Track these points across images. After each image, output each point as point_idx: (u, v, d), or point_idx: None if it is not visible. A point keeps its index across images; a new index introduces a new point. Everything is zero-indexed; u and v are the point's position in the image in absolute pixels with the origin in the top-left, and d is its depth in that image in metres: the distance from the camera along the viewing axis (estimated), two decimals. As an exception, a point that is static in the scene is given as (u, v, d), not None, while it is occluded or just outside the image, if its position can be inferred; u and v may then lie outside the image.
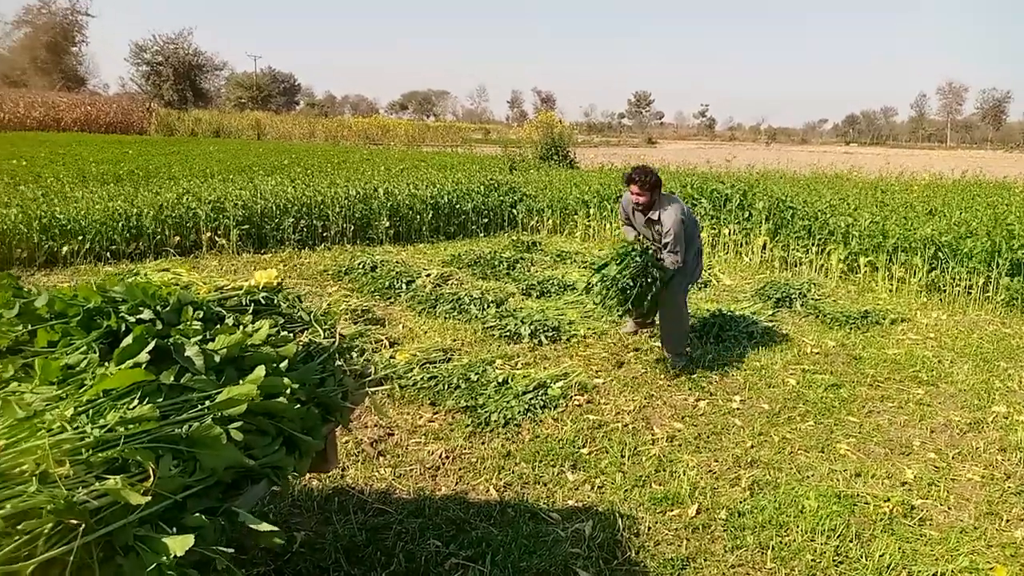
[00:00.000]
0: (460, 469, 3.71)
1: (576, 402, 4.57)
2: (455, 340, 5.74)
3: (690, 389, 4.90)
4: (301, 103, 79.43)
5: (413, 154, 24.44)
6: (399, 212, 10.53)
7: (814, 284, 7.91)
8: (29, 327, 1.63)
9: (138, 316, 1.73)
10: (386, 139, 42.18)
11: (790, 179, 14.95)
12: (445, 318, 6.41)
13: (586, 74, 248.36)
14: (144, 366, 1.56)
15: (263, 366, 1.75)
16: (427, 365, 5.08)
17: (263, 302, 2.19)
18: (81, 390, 1.46)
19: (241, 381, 1.70)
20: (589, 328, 6.05)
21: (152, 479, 1.35)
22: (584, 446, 4.01)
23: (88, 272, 7.84)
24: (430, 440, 4.02)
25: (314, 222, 9.86)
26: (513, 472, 3.69)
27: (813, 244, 8.73)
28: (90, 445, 1.32)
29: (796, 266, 8.83)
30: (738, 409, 4.61)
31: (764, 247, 9.15)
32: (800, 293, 7.37)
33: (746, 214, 9.64)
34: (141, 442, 1.40)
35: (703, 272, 6.55)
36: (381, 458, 3.82)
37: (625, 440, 4.09)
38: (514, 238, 10.51)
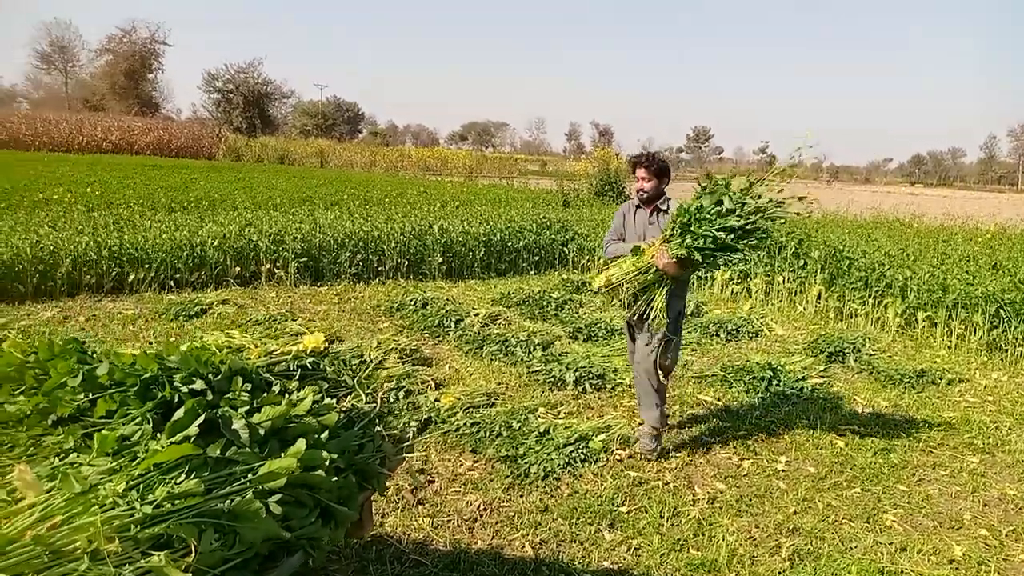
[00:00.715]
0: (497, 522, 3.74)
1: (617, 456, 4.57)
2: (500, 384, 5.79)
3: (734, 447, 4.84)
4: (364, 131, 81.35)
5: (469, 187, 24.78)
6: (452, 249, 10.70)
7: (869, 338, 7.73)
8: (90, 395, 1.74)
9: (191, 386, 1.83)
10: (444, 170, 42.83)
11: (849, 224, 14.69)
12: (491, 359, 6.47)
13: (645, 107, 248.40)
14: (193, 439, 1.66)
15: (304, 439, 1.83)
16: (471, 410, 5.14)
17: (310, 367, 2.29)
18: (134, 463, 1.56)
19: (283, 453, 1.78)
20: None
21: (194, 555, 1.43)
22: (623, 504, 3.99)
23: (152, 300, 8.15)
24: (469, 490, 4.06)
25: (370, 256, 10.08)
26: (550, 529, 3.70)
27: (870, 296, 8.55)
28: (138, 521, 1.41)
29: (851, 318, 8.64)
30: (783, 471, 4.53)
31: (819, 297, 8.99)
32: (854, 348, 7.22)
33: (801, 262, 9.52)
34: (186, 517, 1.49)
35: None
36: (420, 506, 3.87)
37: (665, 499, 4.06)
38: (564, 277, 10.56)
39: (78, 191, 13.95)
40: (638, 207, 4.73)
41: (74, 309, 7.65)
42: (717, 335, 7.66)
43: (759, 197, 4.15)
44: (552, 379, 5.87)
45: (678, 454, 4.68)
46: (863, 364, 6.84)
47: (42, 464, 1.54)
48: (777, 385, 5.97)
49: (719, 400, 5.71)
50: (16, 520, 1.35)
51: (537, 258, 11.59)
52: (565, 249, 11.90)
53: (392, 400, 5.19)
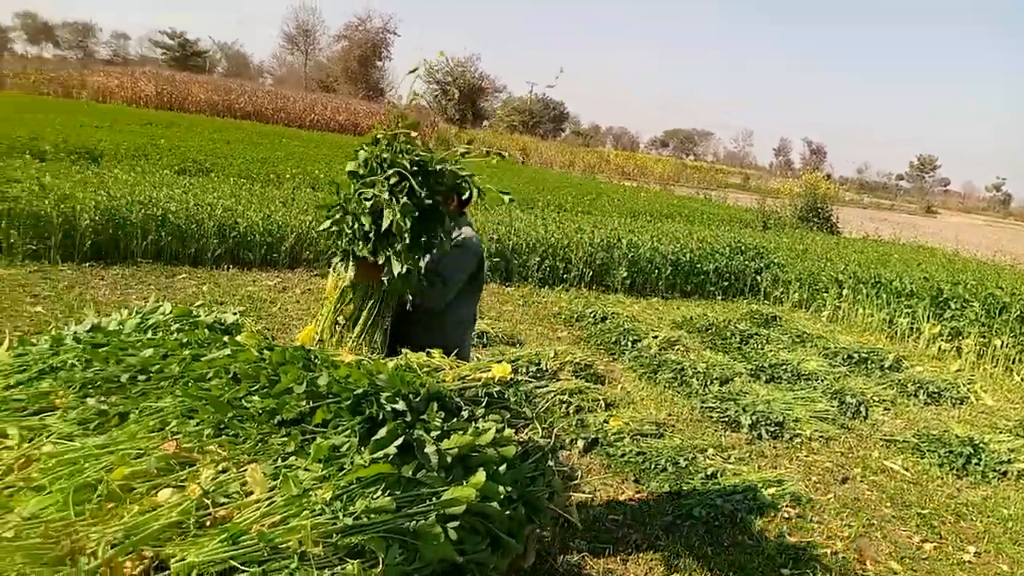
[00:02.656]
0: (652, 560, 3.75)
1: (785, 514, 4.40)
2: (670, 415, 5.75)
3: (917, 526, 4.50)
4: (567, 130, 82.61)
5: (664, 198, 24.48)
6: (638, 264, 10.67)
7: (1101, 426, 6.82)
8: (311, 404, 2.00)
9: (394, 405, 2.04)
10: (641, 176, 42.57)
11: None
12: (665, 387, 6.44)
13: (865, 128, 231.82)
14: (391, 458, 1.85)
15: (484, 469, 1.98)
16: (638, 437, 5.16)
17: (495, 396, 2.45)
18: (341, 473, 1.77)
19: (465, 481, 1.94)
20: (816, 430, 5.75)
21: (381, 568, 1.62)
22: (786, 566, 3.86)
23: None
24: (628, 520, 4.10)
25: (557, 263, 10.31)
26: (704, 578, 3.66)
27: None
28: (340, 530, 1.61)
29: (1082, 398, 7.66)
30: (970, 563, 4.16)
31: (1044, 368, 8.05)
32: (1080, 434, 6.40)
33: (1027, 327, 8.55)
34: (378, 531, 1.67)
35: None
36: (577, 529, 3.96)
37: (831, 569, 3.87)
38: (753, 308, 10.20)
39: (305, 168, 15.36)
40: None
41: (292, 281, 8.50)
42: (915, 396, 7.09)
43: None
44: (726, 419, 5.73)
45: (852, 523, 4.43)
46: (1089, 455, 6.06)
47: (266, 463, 1.79)
48: (977, 464, 5.45)
49: (907, 470, 5.32)
50: (245, 513, 1.59)
51: (726, 283, 11.27)
52: (758, 277, 11.48)
53: (562, 415, 5.33)
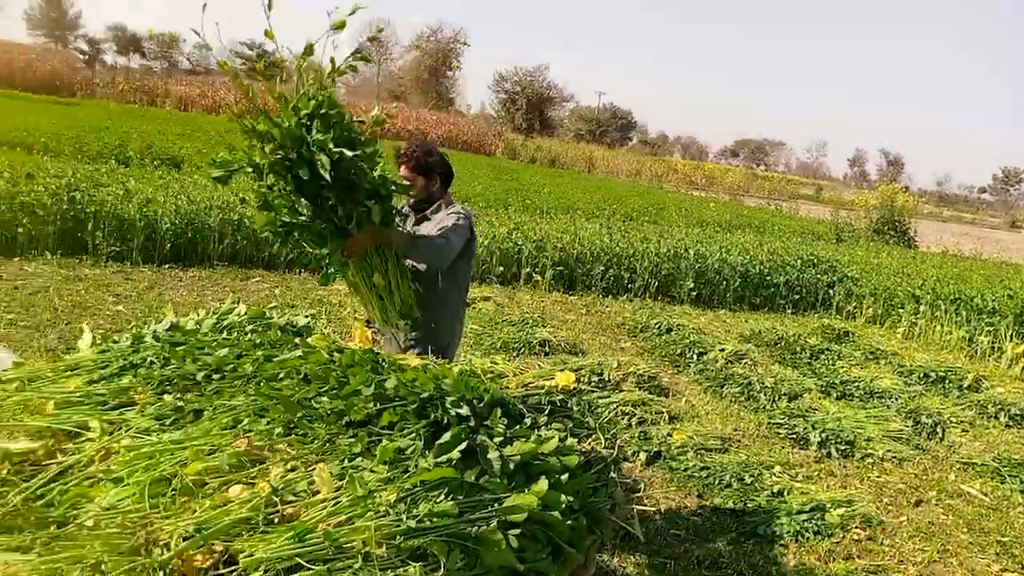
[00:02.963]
0: (714, 578, 3.68)
1: (855, 536, 4.25)
2: (736, 430, 5.63)
3: (996, 555, 4.29)
4: (634, 139, 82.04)
5: (733, 208, 24.07)
6: (705, 275, 10.51)
7: None
8: (378, 406, 2.03)
9: (458, 410, 2.06)
10: (710, 187, 41.95)
11: None
12: (731, 401, 6.31)
13: (946, 139, 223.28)
14: (454, 462, 1.87)
15: (546, 478, 1.97)
16: (702, 452, 5.07)
17: (558, 404, 2.45)
18: (405, 476, 1.79)
19: (527, 488, 1.94)
20: (889, 450, 5.54)
21: (442, 572, 1.63)
22: (854, 590, 3.73)
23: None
24: (691, 536, 4.03)
25: (621, 273, 10.24)
26: (769, 598, 3.57)
27: None
28: (403, 532, 1.63)
29: None
30: (1057, 597, 3.94)
31: None
32: None
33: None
34: (440, 535, 1.69)
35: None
36: (637, 542, 3.91)
37: (904, 596, 3.73)
38: (824, 322, 9.90)
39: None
40: (406, 216, 3.71)
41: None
42: (996, 417, 6.76)
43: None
44: (794, 436, 5.58)
45: (926, 548, 4.25)
46: None
47: (333, 462, 1.83)
48: (1068, 493, 5.16)
49: (986, 495, 5.08)
50: (312, 512, 1.63)
51: (797, 296, 11.00)
52: (831, 291, 11.16)
53: (624, 426, 5.27)
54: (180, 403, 2.12)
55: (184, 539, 1.52)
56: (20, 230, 7.69)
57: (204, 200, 8.88)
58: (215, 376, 2.30)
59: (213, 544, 1.53)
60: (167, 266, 8.18)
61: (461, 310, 3.70)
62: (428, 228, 3.50)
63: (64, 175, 8.85)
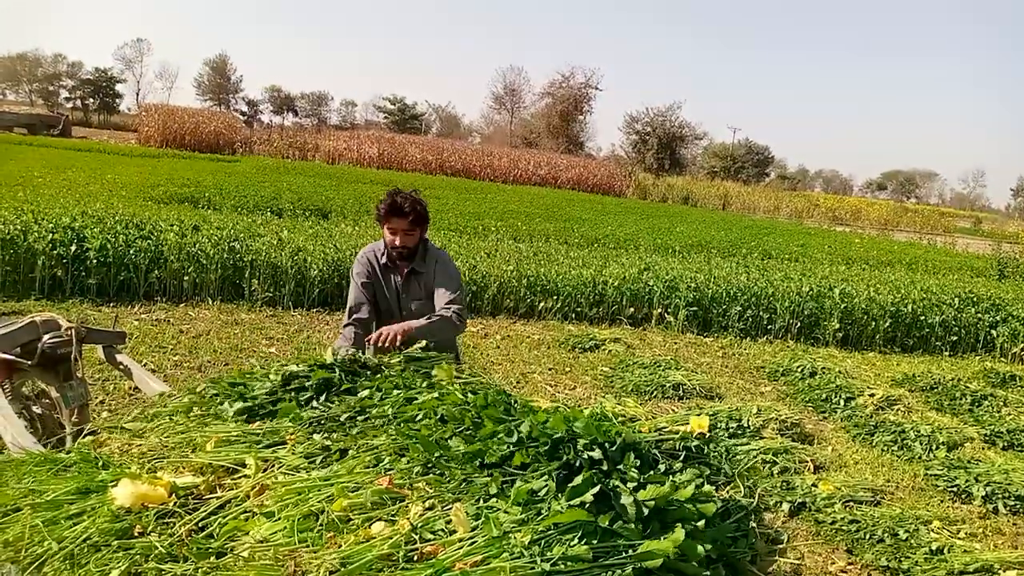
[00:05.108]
0: (867, 641, 3.44)
1: (1031, 603, 3.86)
2: (888, 481, 5.27)
3: None
4: (772, 175, 79.54)
5: (882, 244, 22.75)
6: (852, 315, 9.97)
7: None
8: (511, 447, 2.08)
9: (590, 453, 2.08)
10: (855, 222, 39.89)
11: None
12: (882, 451, 5.92)
13: None
14: (587, 506, 1.88)
15: (682, 526, 1.94)
16: (851, 504, 4.77)
17: (694, 450, 2.40)
18: (539, 518, 1.82)
19: (662, 537, 1.91)
20: (1069, 509, 5.00)
21: (574, 617, 1.64)
22: (1031, 664, 3.37)
23: (555, 328, 9.05)
24: (839, 594, 3.80)
25: (760, 313, 9.89)
26: (930, 667, 3.29)
27: None
28: (537, 574, 1.66)
29: None
30: None
31: None
32: None
33: None
34: (572, 579, 1.70)
35: None
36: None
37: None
38: (987, 365, 9.12)
39: (510, 222, 16.06)
40: (386, 266, 3.70)
41: (493, 327, 8.85)
42: None
43: None
44: (955, 489, 5.15)
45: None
46: None
47: (468, 502, 1.89)
48: None
49: None
50: (449, 551, 1.69)
51: (955, 338, 10.21)
52: (993, 332, 10.29)
53: (765, 475, 5.06)
54: (327, 442, 2.26)
55: (330, 573, 1.62)
56: (187, 278, 8.44)
57: (350, 248, 9.41)
58: (359, 417, 2.44)
59: (357, 578, 1.62)
60: (315, 310, 8.69)
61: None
62: (422, 284, 3.67)
63: (225, 226, 9.66)
